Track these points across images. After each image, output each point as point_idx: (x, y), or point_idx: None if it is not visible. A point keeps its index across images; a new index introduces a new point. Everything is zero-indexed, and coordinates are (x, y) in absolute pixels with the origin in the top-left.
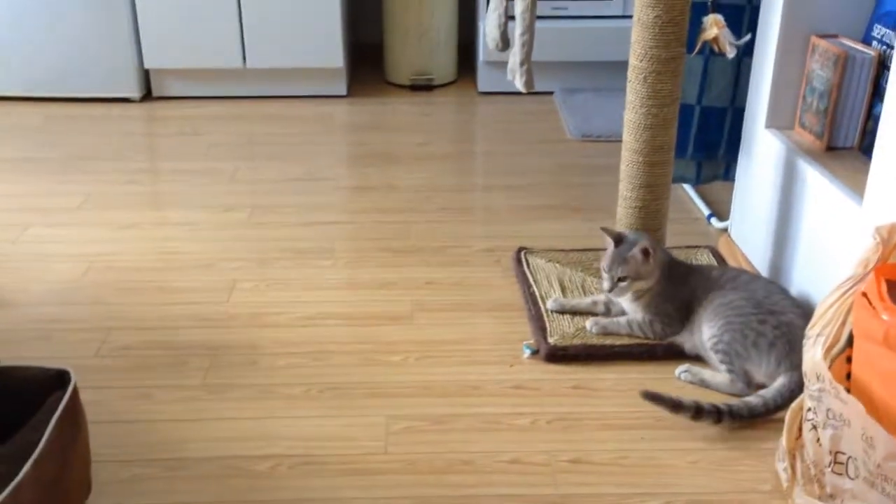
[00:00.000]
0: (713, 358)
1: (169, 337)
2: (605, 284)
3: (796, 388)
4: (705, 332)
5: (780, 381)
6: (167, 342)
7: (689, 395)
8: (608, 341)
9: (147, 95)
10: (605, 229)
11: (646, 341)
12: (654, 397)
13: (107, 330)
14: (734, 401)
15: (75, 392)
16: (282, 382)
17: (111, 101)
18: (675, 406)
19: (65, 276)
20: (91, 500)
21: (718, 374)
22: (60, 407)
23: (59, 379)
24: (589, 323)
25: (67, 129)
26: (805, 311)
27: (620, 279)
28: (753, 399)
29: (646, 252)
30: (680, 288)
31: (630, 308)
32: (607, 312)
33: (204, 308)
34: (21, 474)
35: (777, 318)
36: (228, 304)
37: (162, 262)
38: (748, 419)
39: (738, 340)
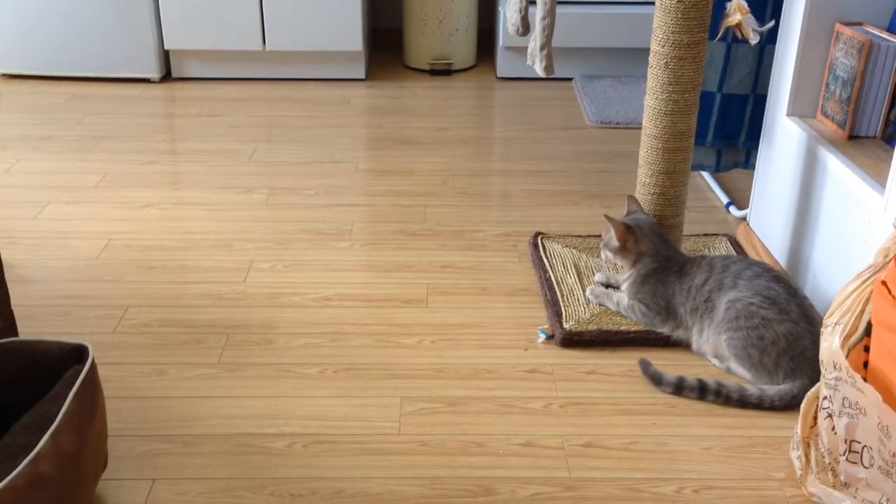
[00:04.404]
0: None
1: (186, 315)
2: None
3: (798, 395)
4: (709, 350)
5: (786, 385)
6: (184, 320)
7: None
8: (623, 327)
9: (167, 76)
10: (608, 217)
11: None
12: (643, 364)
13: (124, 307)
14: (729, 382)
15: (93, 366)
16: (297, 362)
17: (131, 82)
18: (655, 380)
19: (83, 253)
20: (107, 473)
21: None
22: (79, 380)
23: (78, 353)
24: (588, 290)
25: (88, 109)
26: (805, 307)
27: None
28: (751, 388)
29: (624, 228)
30: (664, 286)
31: (623, 289)
32: None
33: (221, 287)
34: (40, 445)
35: (774, 331)
36: (245, 283)
37: (180, 241)
38: (738, 405)
39: (742, 358)
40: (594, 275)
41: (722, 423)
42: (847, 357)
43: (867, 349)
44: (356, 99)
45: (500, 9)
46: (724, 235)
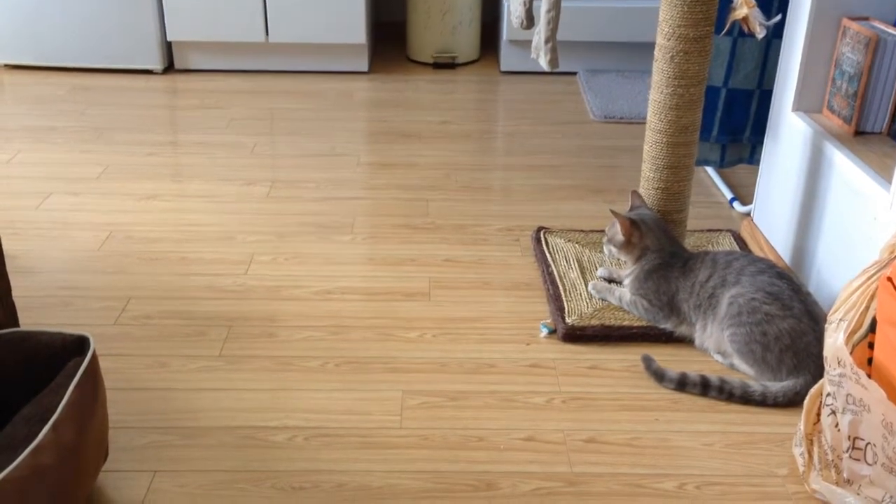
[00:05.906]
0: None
1: (187, 307)
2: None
3: (802, 391)
4: (712, 347)
5: (789, 382)
6: (186, 312)
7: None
8: (626, 322)
9: (169, 68)
10: (613, 212)
11: None
12: (646, 361)
13: (126, 299)
14: (732, 378)
15: (94, 358)
16: (299, 355)
17: (134, 73)
18: (658, 376)
19: (85, 244)
20: (108, 465)
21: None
22: (80, 372)
23: (79, 344)
24: (590, 285)
25: (90, 100)
26: (808, 303)
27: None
28: (754, 384)
29: (629, 223)
30: (668, 282)
31: (625, 284)
32: None
33: (222, 280)
34: (40, 436)
35: (777, 327)
36: (247, 276)
37: (181, 233)
38: (741, 401)
39: (745, 354)
40: (597, 270)
41: (725, 419)
42: (851, 353)
43: (872, 346)
44: (359, 92)
45: (504, 2)
46: (727, 231)
